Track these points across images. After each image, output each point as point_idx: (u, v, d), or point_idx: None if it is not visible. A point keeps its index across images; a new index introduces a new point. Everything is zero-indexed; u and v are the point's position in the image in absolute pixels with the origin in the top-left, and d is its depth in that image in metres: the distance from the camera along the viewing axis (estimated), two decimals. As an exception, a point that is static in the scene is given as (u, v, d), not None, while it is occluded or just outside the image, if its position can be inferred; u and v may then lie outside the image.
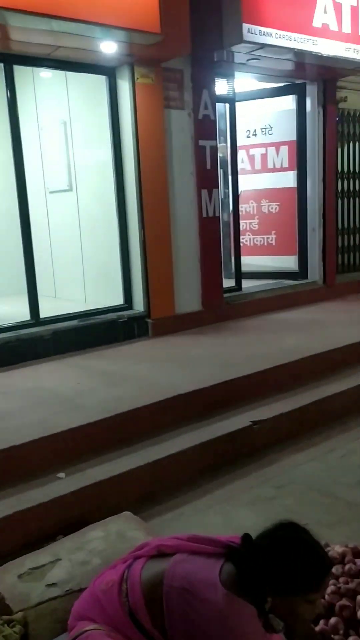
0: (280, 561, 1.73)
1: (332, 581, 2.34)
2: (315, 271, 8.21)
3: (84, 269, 7.02)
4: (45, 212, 7.26)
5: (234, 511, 3.53)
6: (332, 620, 2.16)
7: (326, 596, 2.27)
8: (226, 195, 7.68)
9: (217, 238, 6.77)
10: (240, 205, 7.70)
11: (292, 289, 7.99)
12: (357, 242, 9.02)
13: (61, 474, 3.51)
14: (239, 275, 7.61)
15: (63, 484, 3.44)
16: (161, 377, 4.91)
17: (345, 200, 8.71)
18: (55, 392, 4.61)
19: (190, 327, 6.62)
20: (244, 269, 7.67)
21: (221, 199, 7.02)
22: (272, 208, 8.28)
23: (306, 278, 8.24)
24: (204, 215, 6.54)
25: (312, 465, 4.18)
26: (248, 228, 8.49)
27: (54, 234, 7.30)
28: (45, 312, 5.91)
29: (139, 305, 6.41)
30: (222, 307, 6.99)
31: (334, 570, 2.43)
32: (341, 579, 2.34)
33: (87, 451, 3.79)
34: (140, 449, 3.96)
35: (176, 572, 1.82)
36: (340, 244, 8.67)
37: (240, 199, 7.72)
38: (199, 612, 1.71)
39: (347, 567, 2.42)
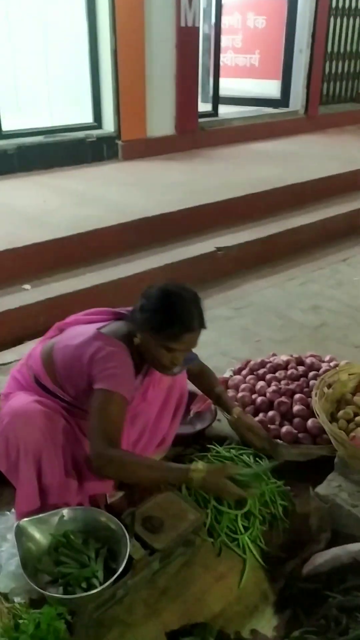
0: (152, 302, 1.92)
1: (274, 383, 2.59)
2: (297, 99, 7.80)
3: (49, 80, 6.49)
4: (5, 12, 6.47)
5: None
6: (270, 413, 2.43)
7: (267, 394, 2.53)
8: (209, 2, 6.92)
9: (195, 53, 6.25)
10: (223, 17, 6.98)
11: (271, 117, 7.64)
12: (345, 69, 8.47)
13: (27, 286, 3.60)
14: (217, 99, 7.18)
15: (29, 294, 3.54)
16: (129, 200, 4.84)
17: (339, 20, 8.00)
18: (20, 208, 4.53)
19: (162, 153, 6.38)
20: (222, 92, 7.21)
21: (203, 8, 6.35)
22: (258, 22, 7.57)
23: (287, 107, 7.84)
24: (182, 24, 5.95)
25: (272, 291, 4.36)
26: (230, 45, 7.82)
27: (14, 38, 6.59)
28: (8, 125, 5.57)
29: (108, 125, 6.09)
30: (196, 133, 6.69)
31: (277, 374, 2.67)
32: (282, 382, 2.59)
33: (52, 266, 3.85)
34: (104, 267, 4.04)
35: (64, 335, 2.10)
36: (327, 70, 8.13)
37: (224, 10, 6.98)
38: (74, 354, 1.95)
39: (289, 371, 2.65)
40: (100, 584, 1.67)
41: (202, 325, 1.98)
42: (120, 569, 1.68)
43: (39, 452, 1.91)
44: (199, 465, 1.95)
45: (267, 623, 1.87)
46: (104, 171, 5.87)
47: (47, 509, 1.92)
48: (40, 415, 1.93)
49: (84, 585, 1.69)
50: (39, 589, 1.64)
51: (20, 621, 1.64)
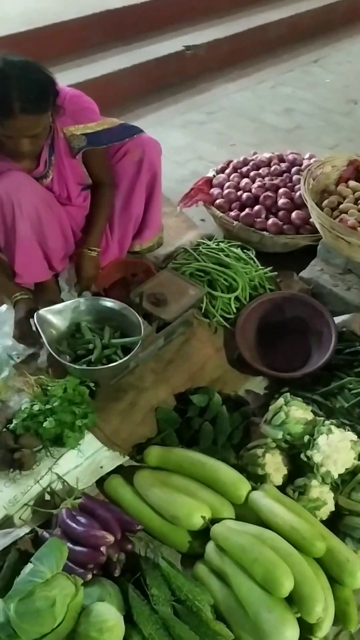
0: None
1: (258, 179, 2.64)
2: None
3: None
4: None
5: (166, 133, 3.61)
6: (256, 207, 2.52)
7: (252, 189, 2.59)
8: None
9: None
10: None
11: None
12: None
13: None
14: None
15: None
16: (85, -10, 4.35)
17: None
18: None
19: None
20: None
21: None
22: None
23: None
24: None
25: (242, 94, 4.21)
26: None
27: None
28: None
29: None
30: None
31: (260, 171, 2.71)
32: (266, 178, 2.64)
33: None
34: (67, 68, 3.74)
35: None
36: None
37: None
38: None
39: (272, 168, 2.70)
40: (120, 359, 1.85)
41: (26, 109, 1.69)
42: (138, 346, 1.85)
43: (35, 210, 1.98)
44: (24, 295, 2.02)
45: (258, 384, 2.14)
46: None
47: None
48: (30, 180, 1.99)
49: (104, 361, 1.87)
50: (68, 363, 1.81)
51: (49, 387, 1.83)
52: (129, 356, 1.83)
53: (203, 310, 2.23)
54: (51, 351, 1.82)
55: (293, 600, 1.39)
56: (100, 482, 1.77)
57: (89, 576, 1.43)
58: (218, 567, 1.50)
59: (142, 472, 1.75)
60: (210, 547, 1.54)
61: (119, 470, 1.80)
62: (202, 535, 1.60)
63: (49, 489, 1.70)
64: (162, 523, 1.63)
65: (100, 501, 1.68)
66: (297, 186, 2.58)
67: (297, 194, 2.52)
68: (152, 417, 1.93)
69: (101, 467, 1.78)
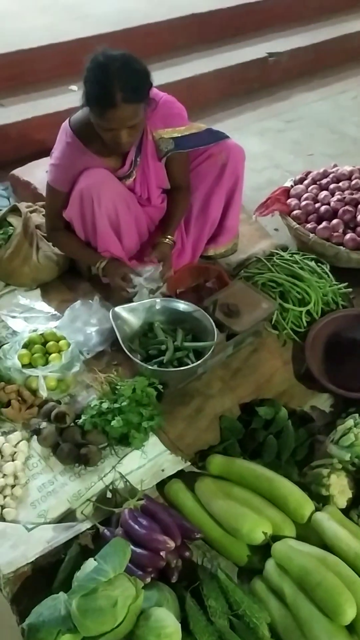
0: (84, 75, 1.80)
1: (338, 192, 2.59)
2: None
3: None
4: None
5: (243, 139, 3.49)
6: (334, 221, 2.46)
7: (331, 203, 2.54)
8: None
9: None
10: None
11: None
12: None
13: (73, 87, 3.41)
14: None
15: (76, 95, 3.36)
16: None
17: None
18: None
19: None
20: None
21: None
22: None
23: None
24: None
25: (323, 104, 4.13)
26: None
27: None
28: None
29: None
30: None
31: (340, 184, 2.65)
32: (346, 192, 2.58)
33: (97, 66, 3.61)
34: (151, 70, 3.75)
35: None
36: None
37: None
38: None
39: (353, 182, 2.63)
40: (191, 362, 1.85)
41: (127, 98, 1.73)
42: (210, 352, 1.85)
43: (113, 207, 2.04)
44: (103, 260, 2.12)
45: (324, 402, 2.09)
46: None
47: None
48: (112, 178, 2.06)
49: (175, 363, 1.88)
50: (140, 362, 1.83)
51: (118, 386, 1.85)
52: (202, 360, 1.83)
53: (273, 322, 2.21)
54: (124, 348, 1.84)
55: (354, 629, 1.36)
56: (159, 485, 1.78)
57: (148, 579, 1.44)
58: (277, 585, 1.47)
59: (205, 481, 1.75)
60: (270, 564, 1.52)
61: (178, 474, 1.80)
62: (261, 550, 1.58)
63: (111, 487, 1.72)
64: (222, 534, 1.62)
65: (162, 505, 1.68)
66: (378, 202, 2.51)
67: (378, 210, 2.46)
68: (217, 425, 1.92)
69: (162, 470, 1.78)
